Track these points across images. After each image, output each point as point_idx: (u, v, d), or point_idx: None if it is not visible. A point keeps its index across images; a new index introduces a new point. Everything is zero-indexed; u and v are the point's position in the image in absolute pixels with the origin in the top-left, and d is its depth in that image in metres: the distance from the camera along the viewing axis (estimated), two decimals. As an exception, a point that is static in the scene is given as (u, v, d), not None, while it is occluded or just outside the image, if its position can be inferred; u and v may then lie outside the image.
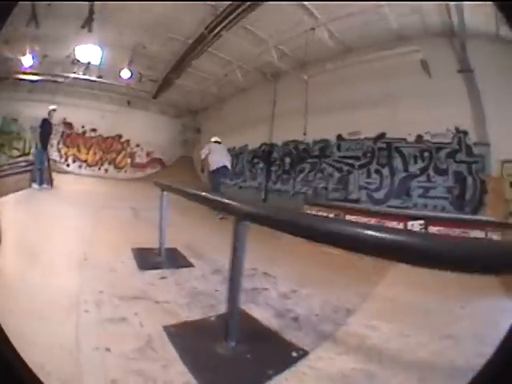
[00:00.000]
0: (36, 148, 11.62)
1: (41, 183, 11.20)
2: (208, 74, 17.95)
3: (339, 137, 13.55)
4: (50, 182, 12.22)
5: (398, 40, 11.10)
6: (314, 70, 13.65)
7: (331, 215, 7.31)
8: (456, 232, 5.65)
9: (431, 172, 10.74)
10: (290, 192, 15.46)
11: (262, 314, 3.53)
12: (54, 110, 11.79)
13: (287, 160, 16.05)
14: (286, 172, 16.00)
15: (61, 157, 23.57)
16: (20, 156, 18.14)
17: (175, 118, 26.56)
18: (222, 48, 14.37)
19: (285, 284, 4.59)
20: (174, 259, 5.24)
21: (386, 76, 11.47)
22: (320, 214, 7.63)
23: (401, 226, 6.15)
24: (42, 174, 11.33)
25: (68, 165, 23.79)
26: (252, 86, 18.21)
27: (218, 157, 11.36)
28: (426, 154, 10.87)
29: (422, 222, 5.99)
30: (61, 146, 23.64)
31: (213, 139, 12.24)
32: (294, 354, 2.73)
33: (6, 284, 3.37)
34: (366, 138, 12.49)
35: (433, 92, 10.22)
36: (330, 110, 13.32)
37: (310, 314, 3.67)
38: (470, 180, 9.92)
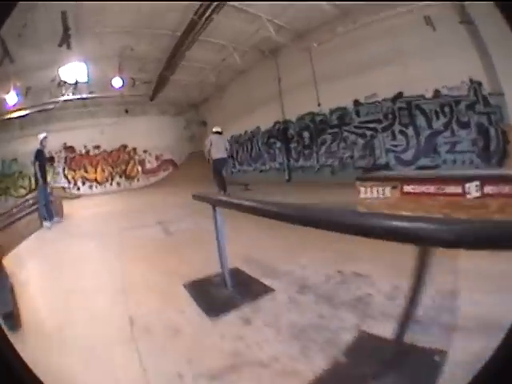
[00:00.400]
0: (37, 183, 10.54)
1: (51, 218, 10.32)
2: (203, 63, 17.16)
3: (356, 102, 12.95)
4: (60, 213, 11.71)
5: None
6: (315, 38, 13.44)
7: (388, 188, 6.41)
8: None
9: (454, 126, 10.32)
10: (315, 167, 14.90)
11: (389, 329, 2.45)
12: (45, 137, 10.81)
13: (306, 134, 15.39)
14: (307, 147, 15.36)
15: (69, 182, 23.43)
16: (28, 193, 17.36)
17: (177, 116, 26.05)
18: (214, 33, 13.56)
19: (382, 281, 3.68)
20: (245, 286, 4.01)
21: (393, 34, 11.11)
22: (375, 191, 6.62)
23: (459, 189, 5.52)
24: (49, 208, 10.46)
25: (78, 188, 23.55)
26: (251, 66, 17.51)
27: (215, 149, 12.29)
28: (447, 109, 10.40)
29: (477, 183, 5.33)
30: (67, 171, 23.47)
31: (214, 129, 13.01)
32: None
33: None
34: (384, 100, 11.97)
35: (440, 45, 9.88)
36: (340, 76, 12.92)
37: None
38: (492, 131, 9.56)
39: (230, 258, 4.15)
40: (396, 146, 11.82)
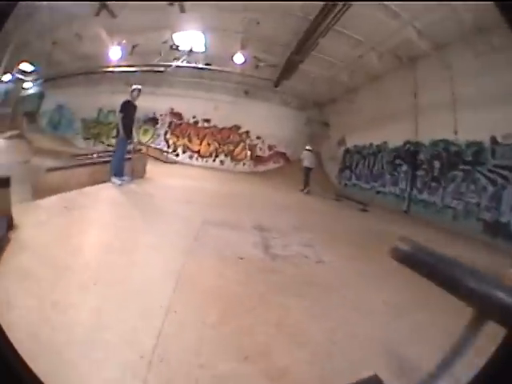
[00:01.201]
0: (117, 135, 9.78)
1: (120, 175, 9.51)
2: (337, 57, 15.69)
3: (493, 139, 10.97)
4: (139, 174, 11.25)
5: None
6: (458, 52, 11.96)
7: None
8: None
9: None
10: (438, 205, 12.89)
11: None
12: (138, 89, 9.86)
13: (436, 164, 13.35)
14: (435, 179, 13.32)
15: (168, 146, 23.81)
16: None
17: (299, 111, 24.70)
18: (350, 24, 12.32)
19: None
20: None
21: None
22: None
23: None
24: (121, 164, 9.66)
25: (177, 155, 23.74)
26: (386, 72, 15.78)
27: (305, 161, 17.55)
28: None
29: None
30: (169, 135, 23.84)
31: (306, 147, 18.01)
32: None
33: None
34: None
35: None
36: (481, 103, 11.07)
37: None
38: None
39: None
40: None
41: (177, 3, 11.33)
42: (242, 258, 4.81)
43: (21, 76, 21.55)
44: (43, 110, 26.53)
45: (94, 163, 10.18)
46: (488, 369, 1.27)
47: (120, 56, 15.60)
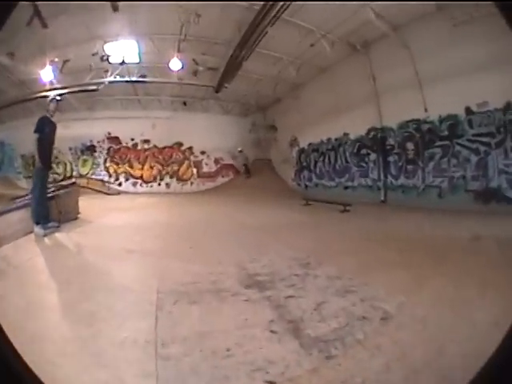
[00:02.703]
0: (33, 166, 8.09)
1: (44, 222, 7.47)
2: (284, 50, 15.21)
3: (468, 110, 11.29)
4: (72, 215, 9.36)
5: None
6: (412, 31, 12.24)
7: None
8: None
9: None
10: (419, 187, 12.86)
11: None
12: (56, 99, 7.97)
13: (409, 146, 13.33)
14: (411, 161, 13.31)
15: (110, 175, 22.50)
16: (62, 180, 16.22)
17: (242, 117, 24.33)
18: (300, 14, 12.04)
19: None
20: None
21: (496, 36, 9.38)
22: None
23: None
24: (45, 208, 7.68)
25: (120, 184, 22.52)
26: (338, 61, 15.53)
27: (238, 160, 17.75)
28: None
29: None
30: (108, 163, 22.52)
31: (238, 149, 17.99)
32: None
33: None
34: (495, 110, 10.60)
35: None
36: (447, 77, 11.36)
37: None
38: None
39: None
40: (508, 165, 10.47)
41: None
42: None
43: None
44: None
45: (18, 208, 8.47)
46: (488, 369, 1.42)
47: (52, 76, 14.42)
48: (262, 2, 11.03)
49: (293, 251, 6.07)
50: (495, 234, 6.60)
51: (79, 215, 9.88)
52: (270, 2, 10.81)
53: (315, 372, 2.48)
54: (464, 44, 10.70)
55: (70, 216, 9.18)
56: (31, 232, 7.25)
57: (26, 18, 10.69)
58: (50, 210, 7.98)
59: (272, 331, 3.10)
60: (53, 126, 7.90)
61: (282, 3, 10.77)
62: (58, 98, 8.17)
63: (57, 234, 7.47)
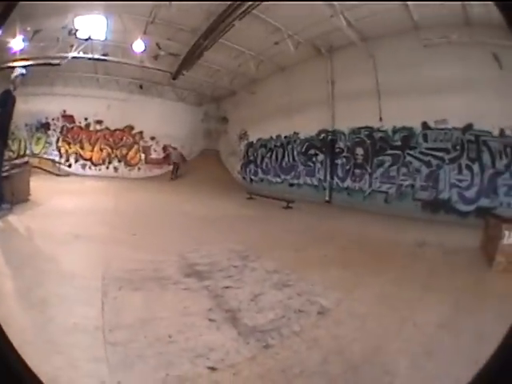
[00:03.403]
0: None
1: (0, 202, 7.23)
2: (247, 45, 15.36)
3: (425, 125, 12.12)
4: (22, 196, 8.95)
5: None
6: (380, 46, 12.80)
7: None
8: None
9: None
10: (366, 191, 13.56)
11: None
12: (21, 74, 7.73)
13: (359, 151, 14.02)
14: (359, 166, 14.00)
15: (61, 156, 21.79)
16: (16, 158, 15.15)
17: (195, 106, 24.27)
18: (271, 10, 12.19)
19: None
20: None
21: (464, 61, 10.85)
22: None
23: None
24: (0, 186, 7.36)
25: (70, 165, 21.89)
26: (299, 62, 15.94)
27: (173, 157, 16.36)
28: (509, 150, 10.50)
29: None
30: (60, 143, 21.88)
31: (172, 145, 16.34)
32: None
33: None
34: (454, 128, 11.47)
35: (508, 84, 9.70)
36: (408, 92, 11.92)
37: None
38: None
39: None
40: (461, 181, 11.38)
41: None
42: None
43: None
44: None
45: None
46: (488, 369, 1.39)
47: (22, 46, 14.01)
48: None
49: (232, 243, 6.41)
50: (440, 242, 7.12)
51: (30, 197, 9.61)
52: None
53: (254, 360, 2.77)
54: (432, 64, 11.35)
55: (21, 197, 8.87)
56: None
57: None
58: (4, 190, 7.63)
59: (211, 319, 3.42)
60: (13, 100, 7.55)
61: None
62: (24, 71, 7.99)
63: (9, 217, 7.25)
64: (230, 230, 7.81)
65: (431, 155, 11.93)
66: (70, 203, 10.40)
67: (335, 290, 4.16)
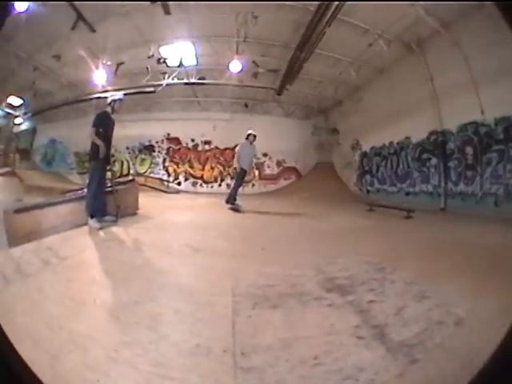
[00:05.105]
0: (90, 160, 7.87)
1: (100, 215, 7.58)
2: (342, 51, 15.40)
3: None
4: (130, 210, 9.23)
5: None
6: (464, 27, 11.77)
7: None
8: None
9: None
10: (478, 194, 12.26)
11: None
12: (120, 99, 8.18)
13: (469, 150, 12.75)
14: (470, 167, 12.72)
15: (169, 175, 23.43)
16: (119, 177, 16.34)
17: (304, 120, 24.38)
18: (353, 12, 12.28)
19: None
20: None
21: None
22: None
23: None
24: (100, 200, 7.72)
25: (179, 183, 23.35)
26: (395, 62, 15.57)
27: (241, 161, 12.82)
28: None
29: None
30: (167, 163, 23.51)
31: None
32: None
33: None
34: None
35: None
36: (502, 76, 10.68)
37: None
38: None
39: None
40: None
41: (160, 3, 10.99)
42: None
43: (10, 111, 21.40)
44: (36, 145, 26.60)
45: (70, 200, 7.93)
46: (488, 369, 1.41)
47: (105, 79, 15.14)
48: (317, 2, 11.31)
49: (365, 256, 5.77)
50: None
51: (138, 211, 9.65)
52: (326, 2, 11.01)
53: (402, 377, 2.48)
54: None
55: (128, 211, 9.00)
56: (84, 225, 7.19)
57: (70, 23, 11.46)
58: (108, 204, 8.01)
59: (359, 337, 3.00)
60: (111, 121, 8.07)
61: (337, 3, 10.87)
62: (122, 97, 8.37)
63: (113, 228, 7.32)
64: (357, 242, 7.26)
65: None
66: (182, 217, 10.36)
67: (468, 299, 3.79)
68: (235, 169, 13.17)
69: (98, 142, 7.52)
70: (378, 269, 4.96)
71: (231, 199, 12.53)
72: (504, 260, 5.61)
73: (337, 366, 2.50)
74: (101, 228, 7.10)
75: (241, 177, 12.92)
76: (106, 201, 7.95)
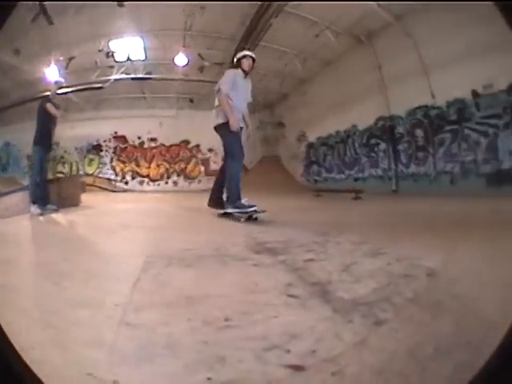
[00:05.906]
0: (33, 146, 7.88)
1: (42, 203, 7.60)
2: (288, 44, 15.53)
3: (474, 93, 11.60)
4: (74, 202, 9.35)
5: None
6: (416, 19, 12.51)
7: None
8: None
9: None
10: (431, 174, 13.00)
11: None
12: (60, 82, 8.38)
13: (419, 133, 13.50)
14: (421, 148, 13.47)
15: (116, 174, 23.01)
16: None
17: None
18: (303, 5, 12.34)
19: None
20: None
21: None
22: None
23: None
24: (44, 188, 7.87)
25: (126, 182, 23.01)
26: (343, 54, 15.88)
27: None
28: None
29: None
30: (115, 162, 23.03)
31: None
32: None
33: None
34: (500, 91, 10.93)
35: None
36: (451, 62, 11.68)
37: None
38: None
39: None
40: None
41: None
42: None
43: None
44: (-9, 150, 25.13)
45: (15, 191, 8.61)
46: (488, 369, 1.31)
47: (57, 75, 14.65)
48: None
49: (308, 225, 5.52)
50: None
51: (81, 203, 9.85)
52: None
53: (364, 345, 1.68)
54: (463, 29, 10.93)
55: (71, 202, 9.11)
56: (28, 212, 7.46)
57: (31, 16, 11.04)
58: (50, 193, 8.21)
59: (291, 295, 2.39)
60: (53, 107, 7.88)
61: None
62: (60, 80, 8.70)
63: (53, 215, 7.52)
64: (302, 217, 7.26)
65: (486, 124, 11.42)
66: (123, 207, 10.75)
67: (435, 252, 3.46)
68: (216, 129, 6.97)
69: (53, 110, 7.73)
70: (319, 233, 4.63)
71: (233, 198, 6.31)
72: (466, 223, 5.85)
73: (256, 332, 1.85)
74: (41, 214, 7.34)
75: (236, 140, 6.70)
76: (48, 190, 8.15)
